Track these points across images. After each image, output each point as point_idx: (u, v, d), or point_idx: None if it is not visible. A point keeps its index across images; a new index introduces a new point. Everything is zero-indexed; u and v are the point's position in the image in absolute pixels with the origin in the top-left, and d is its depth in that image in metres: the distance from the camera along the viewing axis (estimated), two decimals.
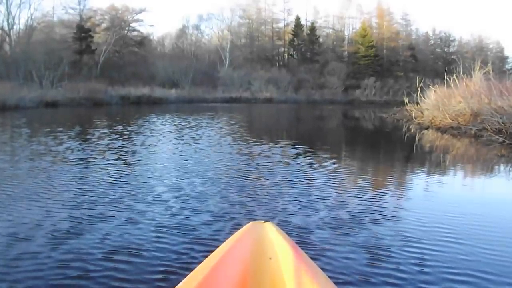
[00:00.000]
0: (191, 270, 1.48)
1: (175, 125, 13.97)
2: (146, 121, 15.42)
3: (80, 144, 8.53)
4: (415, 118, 13.60)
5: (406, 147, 9.33)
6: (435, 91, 14.46)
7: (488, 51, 63.22)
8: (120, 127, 12.53)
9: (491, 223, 3.56)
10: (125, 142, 8.93)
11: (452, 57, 62.56)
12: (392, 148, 9.69)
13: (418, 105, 15.31)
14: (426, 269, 2.53)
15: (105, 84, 32.33)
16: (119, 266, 2.55)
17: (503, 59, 62.78)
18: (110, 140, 9.30)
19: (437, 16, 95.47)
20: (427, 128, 12.17)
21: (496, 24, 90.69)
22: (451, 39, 63.30)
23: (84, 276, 2.41)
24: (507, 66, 61.94)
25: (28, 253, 2.73)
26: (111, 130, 11.72)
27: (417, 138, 10.57)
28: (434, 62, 61.56)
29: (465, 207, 4.11)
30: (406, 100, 16.07)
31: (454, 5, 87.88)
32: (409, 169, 6.74)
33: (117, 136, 10.15)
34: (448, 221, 3.49)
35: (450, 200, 4.36)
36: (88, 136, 10.09)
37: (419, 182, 5.50)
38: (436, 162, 7.26)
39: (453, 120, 10.69)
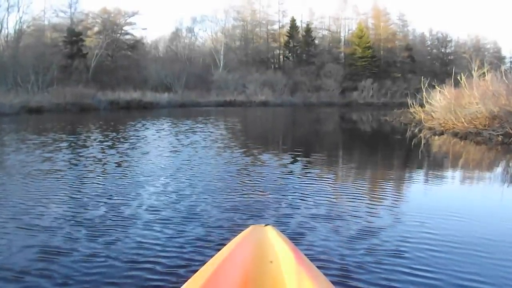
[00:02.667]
0: (191, 275, 1.44)
1: (162, 130, 12.92)
2: (132, 127, 14.30)
3: (47, 154, 7.45)
4: (425, 122, 12.33)
5: (428, 159, 7.74)
6: (440, 91, 13.48)
7: (485, 51, 63.01)
8: (101, 134, 11.50)
9: None
10: (101, 151, 7.92)
11: (450, 57, 62.29)
12: (413, 159, 7.78)
13: (423, 107, 14.33)
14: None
15: (96, 88, 31.32)
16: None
17: (500, 59, 62.36)
18: (83, 149, 8.26)
19: (434, 17, 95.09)
20: (442, 134, 10.73)
21: (493, 24, 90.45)
22: (448, 39, 62.85)
23: None
24: (505, 67, 61.39)
25: None
26: (88, 137, 10.67)
27: (436, 147, 9.22)
28: (432, 63, 61.02)
29: None
30: (409, 102, 15.07)
31: (450, 5, 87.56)
32: (439, 186, 5.57)
33: (94, 144, 9.16)
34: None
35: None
36: (63, 144, 9.05)
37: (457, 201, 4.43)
38: (473, 179, 6.05)
39: (468, 124, 9.57)
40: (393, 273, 2.46)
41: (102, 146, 8.89)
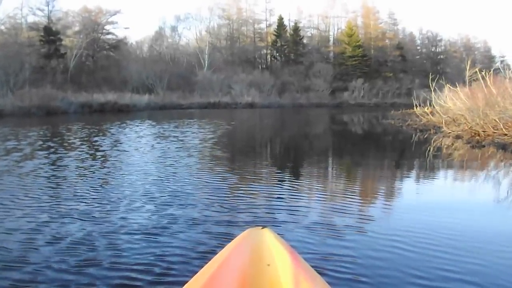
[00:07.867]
0: (188, 279, 1.40)
1: (129, 137, 10.86)
2: (89, 133, 12.17)
3: None
4: (447, 128, 9.93)
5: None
6: (453, 90, 11.71)
7: (475, 50, 62.62)
8: (50, 142, 9.45)
9: None
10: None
11: (440, 56, 61.42)
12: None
13: (430, 108, 12.58)
14: None
15: (73, 90, 28.98)
16: None
17: (490, 58, 61.92)
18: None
19: (424, 16, 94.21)
20: (482, 146, 7.90)
21: (483, 24, 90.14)
22: (438, 38, 62.00)
23: None
24: (495, 65, 60.83)
25: None
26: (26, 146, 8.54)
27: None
28: (422, 62, 60.05)
29: None
30: (415, 102, 13.31)
31: (440, 4, 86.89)
32: None
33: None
34: None
35: None
36: None
37: None
38: None
39: (508, 131, 7.52)
40: (392, 279, 2.37)
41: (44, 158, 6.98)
